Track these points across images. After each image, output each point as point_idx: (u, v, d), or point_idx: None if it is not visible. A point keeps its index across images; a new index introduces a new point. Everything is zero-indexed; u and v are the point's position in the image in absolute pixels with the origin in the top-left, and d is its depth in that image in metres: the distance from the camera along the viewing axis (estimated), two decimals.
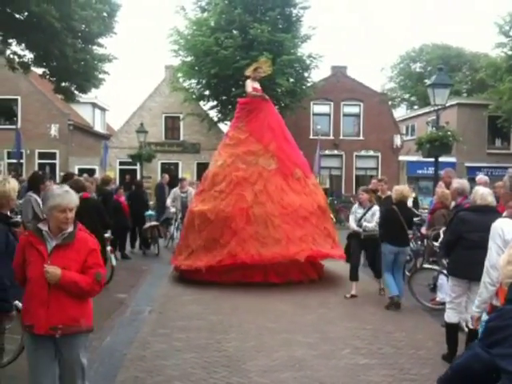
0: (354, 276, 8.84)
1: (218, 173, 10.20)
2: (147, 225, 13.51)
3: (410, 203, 10.79)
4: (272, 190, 9.73)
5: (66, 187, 3.71)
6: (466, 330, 5.35)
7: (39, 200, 6.74)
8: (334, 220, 18.92)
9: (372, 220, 8.75)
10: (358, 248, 8.96)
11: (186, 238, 10.07)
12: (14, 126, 22.75)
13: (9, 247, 4.03)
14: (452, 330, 5.59)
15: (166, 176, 17.84)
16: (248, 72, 10.96)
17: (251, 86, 10.67)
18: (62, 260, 3.44)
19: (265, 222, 9.40)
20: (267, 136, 10.28)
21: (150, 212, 14.87)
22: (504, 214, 4.28)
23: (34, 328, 3.40)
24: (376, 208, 8.86)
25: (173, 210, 13.88)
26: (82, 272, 3.50)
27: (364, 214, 8.88)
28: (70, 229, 3.54)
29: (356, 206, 9.29)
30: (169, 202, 13.85)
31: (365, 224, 8.76)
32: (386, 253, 8.13)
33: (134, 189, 14.70)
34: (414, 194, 16.29)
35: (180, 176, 24.53)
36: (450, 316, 5.58)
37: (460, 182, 7.00)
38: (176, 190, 13.96)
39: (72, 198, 3.55)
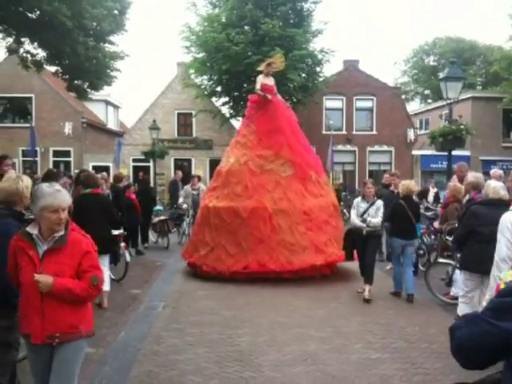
0: (368, 278, 8.14)
1: (233, 172, 10.14)
2: (156, 219, 13.95)
3: (430, 198, 10.87)
4: (292, 197, 9.71)
5: (57, 186, 3.49)
6: None
7: None
8: (348, 215, 18.98)
9: (377, 215, 8.16)
10: (362, 245, 8.29)
11: (201, 233, 10.06)
12: (28, 125, 22.96)
13: None
14: None
15: (180, 173, 17.98)
16: (261, 67, 10.94)
17: (261, 82, 10.62)
18: (55, 266, 3.24)
19: (290, 230, 9.42)
20: (278, 141, 10.20)
21: (158, 207, 15.26)
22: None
23: (31, 338, 3.28)
24: (380, 202, 8.35)
25: (185, 205, 13.97)
26: (78, 276, 3.31)
27: (367, 209, 8.24)
28: (62, 231, 3.32)
29: (359, 199, 8.58)
30: (181, 199, 14.07)
31: (369, 219, 8.08)
32: (394, 246, 8.44)
33: (142, 185, 15.38)
34: (435, 189, 16.43)
35: (193, 172, 24.67)
36: (463, 309, 5.57)
37: (475, 176, 6.96)
38: (187, 187, 14.19)
39: (64, 198, 3.35)
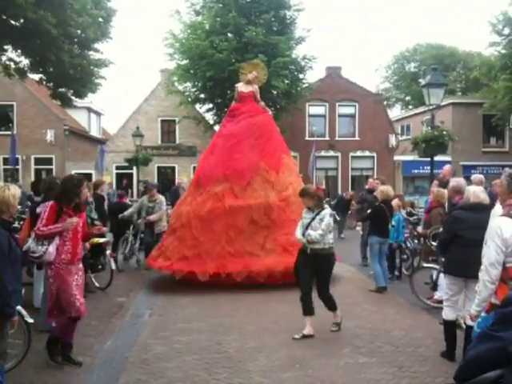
0: (306, 308, 6.56)
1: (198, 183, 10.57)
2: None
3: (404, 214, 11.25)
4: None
5: None
6: (464, 326, 5.41)
7: None
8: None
9: (318, 227, 6.50)
10: (304, 267, 6.62)
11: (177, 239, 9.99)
12: (9, 132, 22.74)
13: (11, 253, 4.08)
14: (450, 327, 5.65)
15: (184, 180, 17.48)
16: (248, 76, 10.99)
17: (238, 91, 10.99)
18: None
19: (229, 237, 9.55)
20: (212, 160, 10.43)
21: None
22: (501, 212, 4.31)
23: None
24: (326, 212, 6.62)
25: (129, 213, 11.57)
26: None
27: (312, 220, 6.61)
28: None
29: (305, 210, 6.93)
30: (128, 212, 11.47)
31: (308, 232, 6.51)
32: (373, 243, 9.42)
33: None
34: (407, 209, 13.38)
35: (178, 180, 24.52)
36: (448, 313, 5.64)
37: (457, 181, 7.07)
38: (144, 198, 11.80)
39: None
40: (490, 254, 3.99)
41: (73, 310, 5.28)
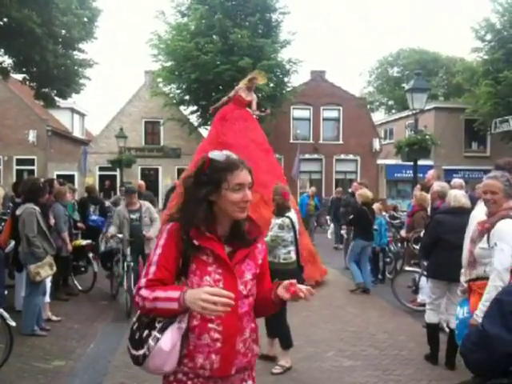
0: (269, 331, 5.57)
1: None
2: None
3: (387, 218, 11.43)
4: None
5: None
6: (447, 330, 5.46)
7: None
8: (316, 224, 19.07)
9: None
10: None
11: None
12: None
13: None
14: (433, 330, 5.70)
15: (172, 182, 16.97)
16: (243, 83, 10.74)
17: (237, 92, 10.60)
18: None
19: None
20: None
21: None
22: (482, 214, 4.23)
23: None
24: (275, 222, 5.69)
25: (118, 235, 8.15)
26: None
27: (272, 228, 5.84)
28: None
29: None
30: (113, 228, 8.21)
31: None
32: (356, 246, 9.58)
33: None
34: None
35: (167, 183, 24.31)
36: (431, 317, 5.69)
37: (441, 185, 7.14)
38: (120, 208, 8.43)
39: None
40: (505, 258, 3.79)
41: None
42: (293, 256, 5.63)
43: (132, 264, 7.88)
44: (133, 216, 8.17)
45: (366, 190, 10.18)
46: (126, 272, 7.84)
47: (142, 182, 14.43)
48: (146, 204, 8.49)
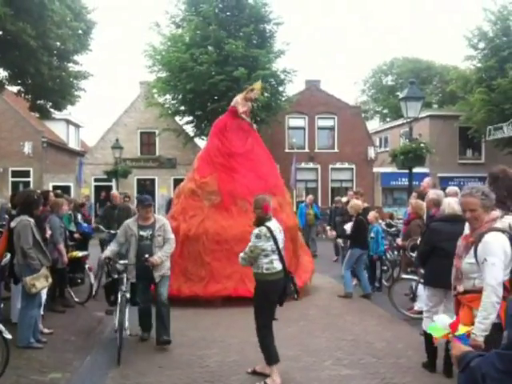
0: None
1: (178, 194, 10.52)
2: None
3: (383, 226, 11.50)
4: (209, 226, 9.42)
5: None
6: None
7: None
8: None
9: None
10: None
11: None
12: None
13: None
14: (430, 337, 5.68)
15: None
16: (242, 95, 10.64)
17: (241, 108, 10.44)
18: None
19: (195, 259, 9.29)
20: (207, 169, 10.08)
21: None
22: (479, 231, 4.13)
23: None
24: (254, 232, 5.44)
25: (122, 262, 6.59)
26: None
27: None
28: None
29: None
30: (110, 249, 6.81)
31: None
32: (353, 255, 9.73)
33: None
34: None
35: (162, 193, 24.30)
36: (428, 324, 5.68)
37: (436, 193, 7.15)
38: (130, 222, 6.91)
39: None
40: (498, 272, 3.70)
41: None
42: (276, 266, 5.37)
43: (128, 295, 6.36)
44: (143, 233, 6.67)
45: (355, 200, 10.38)
46: (119, 304, 6.29)
47: (115, 193, 13.66)
48: (162, 220, 7.01)
